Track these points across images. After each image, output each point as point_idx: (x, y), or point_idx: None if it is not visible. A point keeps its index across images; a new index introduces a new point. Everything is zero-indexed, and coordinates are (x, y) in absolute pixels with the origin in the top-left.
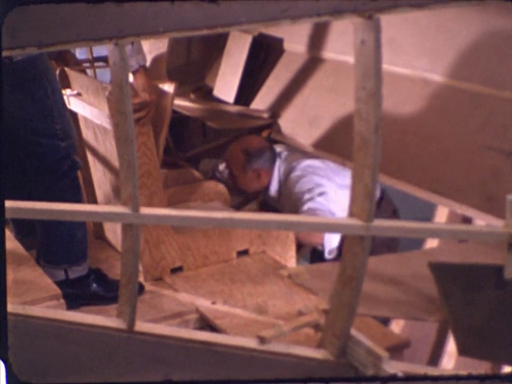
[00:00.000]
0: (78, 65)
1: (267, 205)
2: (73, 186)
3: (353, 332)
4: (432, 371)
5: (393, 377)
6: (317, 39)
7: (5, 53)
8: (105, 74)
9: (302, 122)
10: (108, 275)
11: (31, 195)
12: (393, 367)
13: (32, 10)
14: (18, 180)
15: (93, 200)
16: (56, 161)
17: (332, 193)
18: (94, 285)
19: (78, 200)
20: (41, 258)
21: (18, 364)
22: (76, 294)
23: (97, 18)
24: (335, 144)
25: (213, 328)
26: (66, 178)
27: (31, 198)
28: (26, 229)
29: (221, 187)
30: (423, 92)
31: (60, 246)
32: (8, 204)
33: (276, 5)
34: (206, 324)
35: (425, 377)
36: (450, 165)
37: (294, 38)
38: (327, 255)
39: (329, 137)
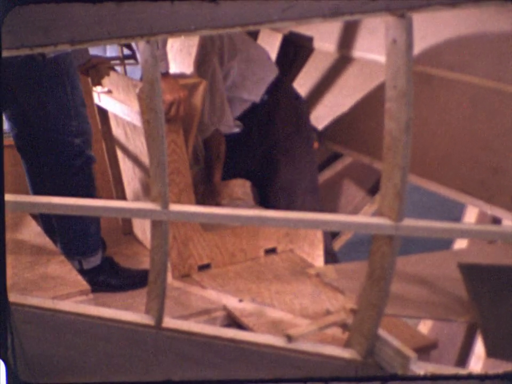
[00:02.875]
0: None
1: None
2: (87, 181)
3: (381, 332)
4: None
5: (393, 377)
6: (347, 37)
7: (36, 50)
8: (135, 71)
9: (331, 121)
10: (120, 264)
11: (46, 190)
12: (421, 368)
13: (61, 9)
14: (36, 174)
15: (122, 197)
16: (70, 157)
17: None
18: (105, 273)
19: (91, 195)
20: (58, 248)
21: (43, 358)
22: (87, 281)
23: (129, 16)
24: (364, 143)
25: (239, 326)
26: (81, 174)
27: (45, 193)
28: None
29: (248, 185)
30: (453, 92)
31: (74, 240)
32: (47, 199)
33: (307, 3)
34: (233, 321)
35: (424, 377)
36: (480, 165)
37: (324, 37)
38: None
39: (358, 136)
